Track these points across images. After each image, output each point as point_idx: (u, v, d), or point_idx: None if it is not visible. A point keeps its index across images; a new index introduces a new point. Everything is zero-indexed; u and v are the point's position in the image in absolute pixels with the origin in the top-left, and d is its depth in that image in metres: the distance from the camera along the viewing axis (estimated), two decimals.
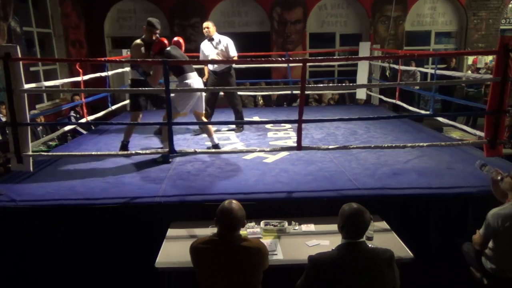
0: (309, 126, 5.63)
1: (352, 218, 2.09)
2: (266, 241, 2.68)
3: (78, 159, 4.23)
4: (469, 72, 9.53)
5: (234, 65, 5.67)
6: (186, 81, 4.15)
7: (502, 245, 2.60)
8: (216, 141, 4.53)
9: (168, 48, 4.11)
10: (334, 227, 2.27)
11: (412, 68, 7.27)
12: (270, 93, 8.70)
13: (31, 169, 3.44)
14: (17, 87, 3.18)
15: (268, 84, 8.84)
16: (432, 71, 5.77)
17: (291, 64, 7.85)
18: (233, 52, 5.34)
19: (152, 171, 3.91)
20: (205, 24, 5.30)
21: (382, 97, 7.33)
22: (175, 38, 4.46)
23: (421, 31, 10.65)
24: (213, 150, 4.41)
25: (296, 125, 3.51)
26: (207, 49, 5.35)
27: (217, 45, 5.29)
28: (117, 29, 10.24)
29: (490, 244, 2.67)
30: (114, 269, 3.14)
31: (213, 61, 5.36)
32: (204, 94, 4.49)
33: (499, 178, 2.74)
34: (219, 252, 2.15)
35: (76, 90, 6.57)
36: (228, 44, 5.30)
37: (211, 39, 5.31)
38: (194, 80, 4.20)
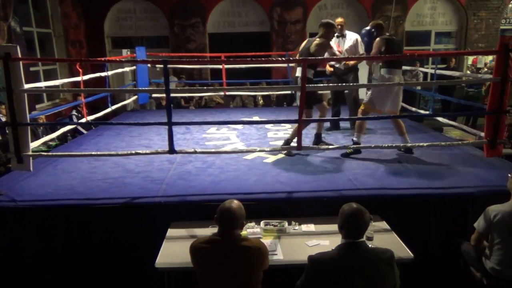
0: (309, 126, 5.61)
1: (352, 218, 2.09)
2: (266, 241, 2.68)
3: (78, 159, 4.22)
4: (469, 72, 9.54)
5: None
6: (388, 75, 4.05)
7: (500, 243, 2.61)
8: (361, 139, 4.31)
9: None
10: (334, 227, 2.27)
11: (414, 68, 7.27)
12: (270, 93, 8.70)
13: (31, 169, 3.43)
14: (17, 87, 3.17)
15: (268, 84, 8.84)
16: (432, 71, 5.76)
17: (291, 64, 7.84)
18: (362, 49, 5.24)
19: (152, 171, 3.91)
20: (340, 20, 5.27)
21: None
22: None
23: (421, 31, 10.67)
24: (213, 150, 4.40)
25: (296, 125, 3.51)
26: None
27: (347, 41, 5.30)
28: (117, 29, 10.26)
29: (489, 244, 2.68)
30: (114, 269, 3.14)
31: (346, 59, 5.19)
32: (401, 92, 4.25)
33: None
34: (219, 252, 2.15)
35: (76, 90, 6.57)
36: (357, 40, 5.26)
37: (342, 36, 5.31)
38: (396, 77, 4.07)
